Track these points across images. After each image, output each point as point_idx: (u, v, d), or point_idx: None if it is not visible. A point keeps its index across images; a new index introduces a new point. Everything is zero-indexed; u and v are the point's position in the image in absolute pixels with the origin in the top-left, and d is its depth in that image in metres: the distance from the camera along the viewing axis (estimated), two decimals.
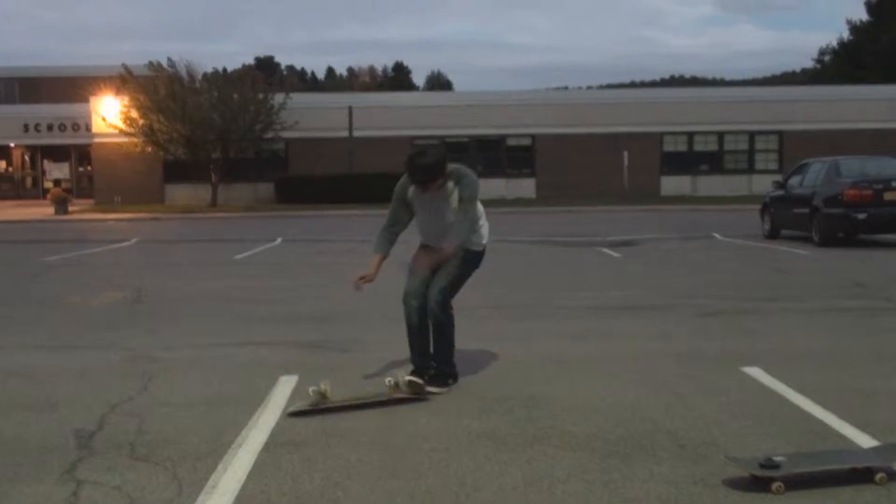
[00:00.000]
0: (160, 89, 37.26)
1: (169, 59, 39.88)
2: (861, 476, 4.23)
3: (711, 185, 40.97)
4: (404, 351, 7.35)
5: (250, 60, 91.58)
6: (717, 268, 14.15)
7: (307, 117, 39.23)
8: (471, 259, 6.27)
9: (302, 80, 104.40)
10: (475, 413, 5.52)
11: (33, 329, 9.05)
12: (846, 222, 17.03)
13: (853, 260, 14.80)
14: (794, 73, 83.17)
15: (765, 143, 41.80)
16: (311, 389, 5.63)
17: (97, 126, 40.39)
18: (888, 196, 16.84)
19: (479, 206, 6.30)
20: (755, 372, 6.49)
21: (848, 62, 60.96)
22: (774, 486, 4.10)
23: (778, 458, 4.24)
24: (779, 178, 22.85)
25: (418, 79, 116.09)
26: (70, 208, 35.69)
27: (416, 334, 6.23)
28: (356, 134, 40.53)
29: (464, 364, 6.47)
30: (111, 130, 38.90)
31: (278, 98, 38.82)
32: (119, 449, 4.91)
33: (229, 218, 32.75)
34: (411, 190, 6.21)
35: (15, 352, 7.82)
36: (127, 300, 11.14)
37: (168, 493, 4.23)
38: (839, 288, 11.43)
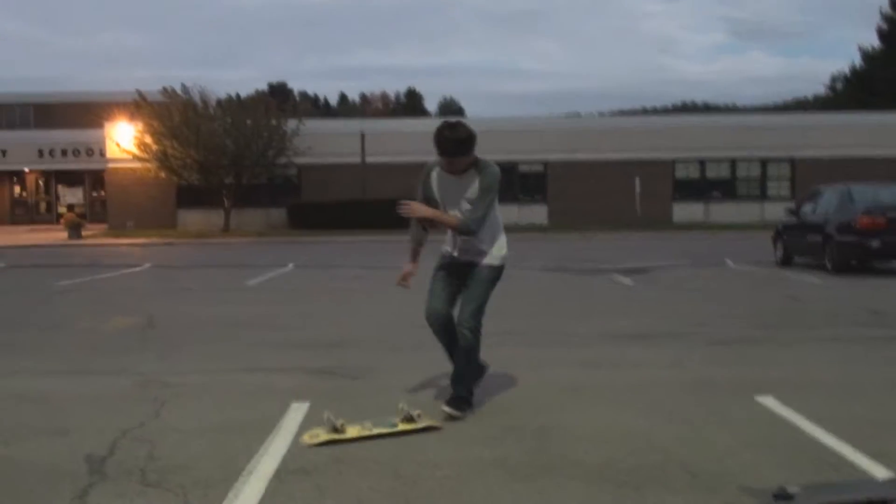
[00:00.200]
0: (174, 115, 37.49)
1: (183, 86, 40.19)
2: None
3: (724, 212, 40.92)
4: (416, 377, 7.35)
5: (263, 86, 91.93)
6: (729, 295, 14.10)
7: (320, 143, 39.40)
8: (495, 275, 6.26)
9: (315, 106, 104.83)
10: (486, 441, 5.49)
11: (45, 354, 9.07)
12: (859, 250, 16.97)
13: (867, 288, 14.74)
14: (806, 100, 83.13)
15: (777, 171, 41.78)
16: (325, 415, 5.62)
17: (111, 151, 40.64)
18: None
19: (499, 216, 6.26)
20: (768, 401, 6.45)
21: (860, 89, 60.96)
22: None
23: (792, 489, 4.18)
24: (791, 205, 22.82)
25: (431, 105, 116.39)
26: (83, 233, 35.86)
27: (452, 348, 6.28)
28: (368, 160, 40.69)
29: (475, 391, 6.45)
30: (125, 156, 39.14)
31: (291, 124, 39.01)
32: (130, 475, 4.91)
33: (241, 243, 32.83)
34: (435, 173, 6.17)
35: (27, 376, 7.83)
36: (139, 325, 11.16)
37: None
38: (853, 316, 11.38)
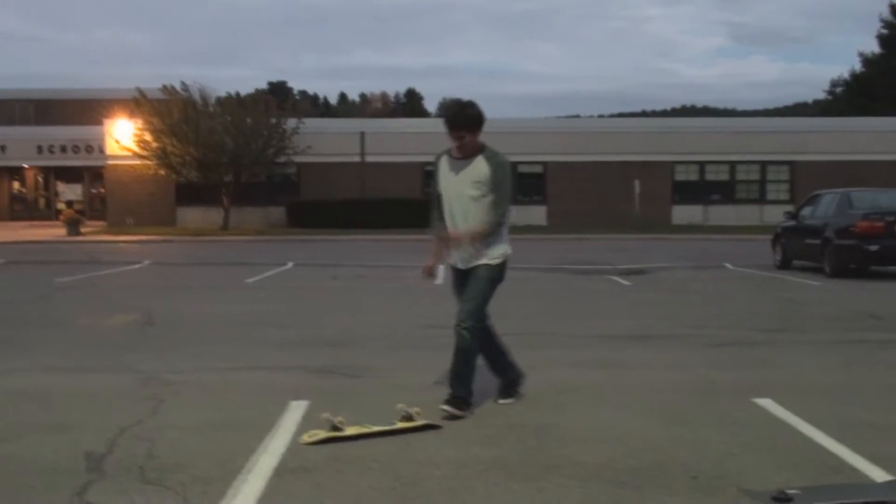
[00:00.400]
0: (173, 113, 37.45)
1: (182, 83, 40.14)
2: None
3: (723, 214, 40.92)
4: (415, 376, 7.35)
5: (263, 85, 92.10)
6: (728, 298, 14.11)
7: (319, 142, 39.39)
8: (494, 275, 6.24)
9: (314, 106, 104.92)
10: (486, 441, 5.50)
11: (45, 351, 9.06)
12: (858, 254, 16.99)
13: (865, 291, 14.75)
14: (805, 105, 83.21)
15: (777, 174, 41.79)
16: (323, 416, 5.63)
17: (110, 148, 40.60)
18: None
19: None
20: (767, 403, 6.45)
21: (860, 94, 61.00)
22: None
23: (791, 491, 4.17)
24: (790, 208, 22.85)
25: (430, 105, 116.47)
26: (82, 230, 35.83)
27: (486, 358, 6.43)
28: (368, 159, 40.69)
29: (474, 392, 6.46)
30: (124, 153, 39.08)
31: (291, 123, 38.98)
32: (129, 472, 4.91)
33: (240, 241, 32.82)
34: (443, 162, 6.25)
35: (26, 374, 7.83)
36: (138, 323, 11.15)
37: None
38: (852, 320, 11.39)
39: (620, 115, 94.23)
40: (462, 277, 6.32)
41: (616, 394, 6.88)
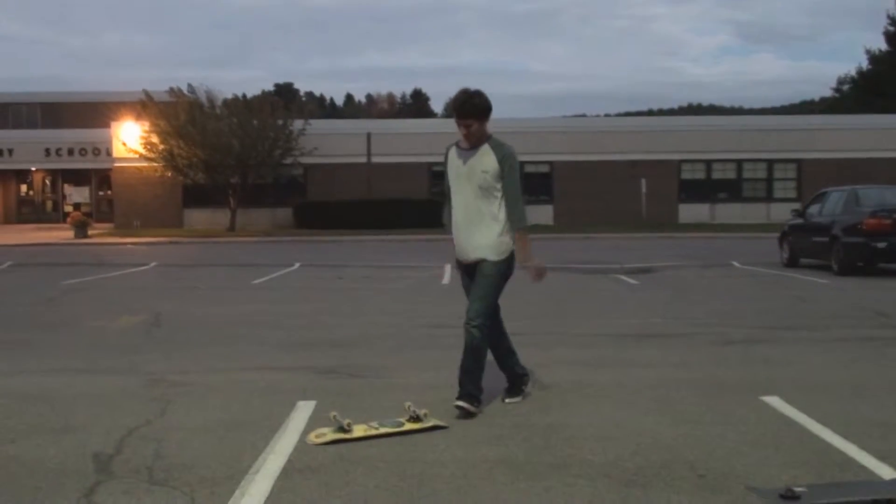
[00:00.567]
0: (180, 115, 37.53)
1: (189, 86, 40.27)
2: None
3: (729, 213, 40.87)
4: (422, 376, 7.35)
5: (269, 87, 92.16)
6: (736, 296, 14.09)
7: (326, 143, 39.42)
8: (501, 270, 6.21)
9: (321, 107, 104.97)
10: (493, 440, 5.49)
11: (52, 352, 9.08)
12: (865, 251, 16.95)
13: (873, 289, 14.72)
14: (812, 102, 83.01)
15: (783, 172, 41.72)
16: (331, 415, 5.63)
17: (117, 151, 40.71)
18: None
19: (503, 211, 6.24)
20: (774, 401, 6.44)
21: (867, 91, 60.80)
22: None
23: (799, 489, 4.18)
24: (797, 206, 22.81)
25: (437, 105, 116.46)
26: (90, 232, 35.91)
27: (494, 354, 6.46)
28: (374, 160, 40.72)
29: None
30: (131, 155, 39.20)
31: (297, 124, 39.01)
32: (137, 473, 4.91)
33: (247, 243, 32.86)
34: (451, 153, 6.31)
35: (34, 375, 7.85)
36: (145, 324, 11.17)
37: None
38: (860, 317, 11.36)
39: (627, 113, 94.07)
40: (470, 274, 6.31)
41: (623, 392, 6.87)
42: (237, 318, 11.76)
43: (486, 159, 6.11)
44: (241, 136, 37.57)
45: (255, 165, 38.19)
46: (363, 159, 40.80)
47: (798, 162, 41.25)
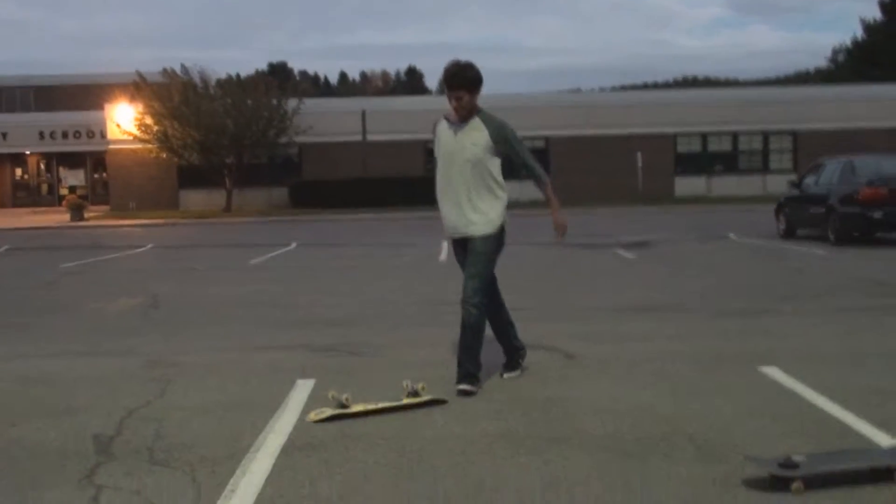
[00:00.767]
0: (174, 96, 37.43)
1: (182, 66, 40.11)
2: (881, 475, 4.20)
3: (726, 185, 40.85)
4: (420, 354, 7.36)
5: (263, 66, 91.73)
6: (733, 268, 14.11)
7: (321, 122, 39.31)
8: (491, 247, 6.14)
9: (315, 85, 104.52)
10: (492, 415, 5.51)
11: (51, 335, 9.09)
12: (862, 221, 16.96)
13: (870, 259, 14.73)
14: (807, 73, 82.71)
15: (779, 143, 41.68)
16: (330, 394, 5.65)
17: (112, 133, 40.60)
18: None
19: (496, 184, 6.22)
20: (773, 372, 6.46)
21: (862, 62, 60.70)
22: (794, 485, 4.07)
23: (797, 458, 4.22)
24: (793, 177, 22.80)
25: (431, 83, 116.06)
26: (85, 215, 35.86)
27: (492, 326, 6.45)
28: (370, 138, 40.63)
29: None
30: (126, 137, 39.10)
31: (292, 103, 38.91)
32: (138, 454, 4.93)
33: (244, 223, 32.85)
34: (441, 128, 6.26)
35: (33, 358, 7.85)
36: (143, 306, 11.18)
37: (187, 498, 4.24)
38: (857, 287, 11.38)
39: (622, 87, 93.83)
40: (462, 247, 6.28)
41: (622, 366, 6.89)
42: (235, 298, 11.76)
43: (477, 133, 6.09)
44: (236, 116, 37.49)
45: (250, 145, 38.13)
46: (358, 137, 40.71)
47: (794, 133, 41.21)
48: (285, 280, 13.98)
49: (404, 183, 37.66)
